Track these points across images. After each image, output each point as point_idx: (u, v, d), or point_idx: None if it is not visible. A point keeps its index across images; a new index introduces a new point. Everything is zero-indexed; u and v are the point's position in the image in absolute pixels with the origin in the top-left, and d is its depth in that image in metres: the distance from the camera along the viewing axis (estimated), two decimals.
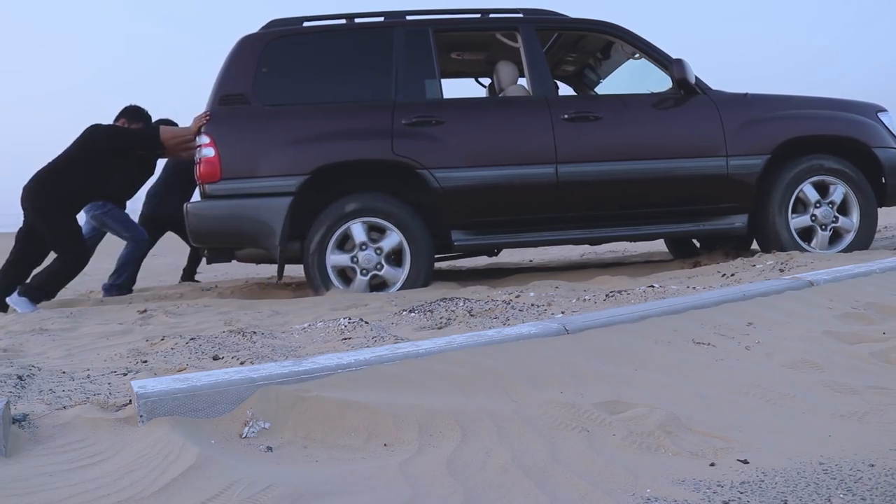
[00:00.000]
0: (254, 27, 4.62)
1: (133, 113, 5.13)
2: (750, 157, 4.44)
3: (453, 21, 4.63)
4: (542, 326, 2.19)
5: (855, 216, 4.52)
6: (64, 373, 2.27)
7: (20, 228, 4.85)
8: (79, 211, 4.83)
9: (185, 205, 4.31)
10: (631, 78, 5.18)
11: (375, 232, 4.24)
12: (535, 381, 1.80)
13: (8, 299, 4.58)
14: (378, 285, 4.24)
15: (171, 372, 2.18)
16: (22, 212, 4.77)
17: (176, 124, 5.22)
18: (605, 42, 5.09)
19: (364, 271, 4.20)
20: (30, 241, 4.77)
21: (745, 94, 4.59)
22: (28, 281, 4.69)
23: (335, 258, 4.20)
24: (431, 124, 4.30)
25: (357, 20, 4.57)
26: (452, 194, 4.25)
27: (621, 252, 7.41)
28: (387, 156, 4.24)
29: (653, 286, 3.41)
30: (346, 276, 4.26)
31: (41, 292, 4.60)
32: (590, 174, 4.34)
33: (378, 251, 4.21)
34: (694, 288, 3.34)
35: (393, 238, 4.22)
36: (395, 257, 4.26)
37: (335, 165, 4.22)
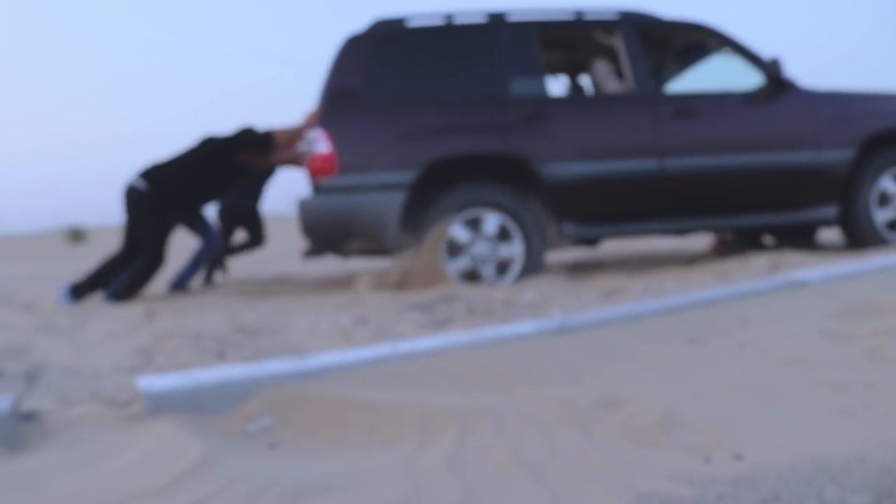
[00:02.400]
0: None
1: (246, 129, 5.17)
2: (840, 150, 4.59)
3: (557, 20, 4.74)
4: (540, 325, 2.20)
5: None
6: (72, 370, 2.29)
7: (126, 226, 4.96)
8: (178, 214, 4.87)
9: (298, 199, 4.35)
10: (705, 76, 5.28)
11: (483, 223, 4.30)
12: (533, 379, 1.81)
13: (101, 299, 4.70)
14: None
15: (177, 369, 2.20)
16: (125, 209, 4.85)
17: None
18: (691, 41, 5.18)
19: (482, 263, 4.28)
20: (131, 235, 4.89)
21: (834, 90, 4.73)
22: (112, 286, 4.81)
23: (454, 266, 4.25)
24: (542, 119, 4.41)
25: (459, 19, 4.65)
26: (564, 187, 4.36)
27: (621, 252, 7.42)
28: (501, 149, 4.35)
29: (649, 285, 3.43)
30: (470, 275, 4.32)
31: (125, 292, 4.71)
32: (692, 167, 4.48)
33: (491, 241, 4.28)
34: (689, 287, 3.35)
35: (505, 227, 4.28)
36: (506, 249, 4.32)
37: (449, 159, 4.31)
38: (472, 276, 4.29)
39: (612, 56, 5.19)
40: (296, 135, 4.78)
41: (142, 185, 4.79)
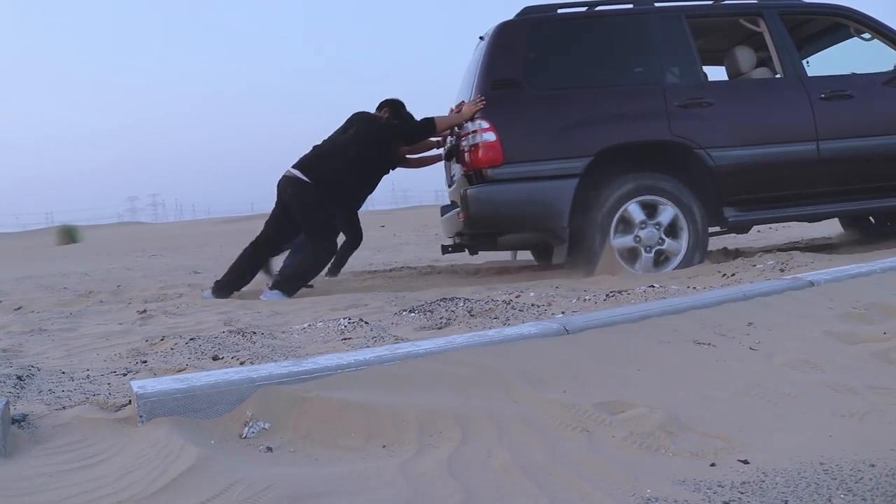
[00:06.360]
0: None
1: (396, 105, 5.12)
2: None
3: (702, 7, 4.82)
4: (542, 326, 2.19)
5: None
6: (63, 373, 2.27)
7: (271, 213, 4.88)
8: (338, 201, 4.79)
9: (464, 190, 4.36)
10: (837, 58, 5.38)
11: (648, 209, 4.37)
12: (535, 382, 1.79)
13: (262, 296, 4.58)
14: (658, 262, 4.37)
15: (171, 372, 2.18)
16: (277, 197, 4.78)
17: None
18: (827, 24, 5.24)
19: (648, 248, 4.34)
20: (277, 227, 4.82)
21: None
22: (278, 275, 4.71)
23: (619, 241, 4.32)
24: (702, 106, 4.48)
25: (606, 6, 4.73)
26: (726, 172, 4.43)
27: None
28: (665, 136, 4.41)
29: (653, 286, 3.41)
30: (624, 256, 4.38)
31: (292, 285, 4.60)
32: (847, 150, 4.55)
33: (657, 226, 4.35)
34: (694, 288, 3.34)
35: (672, 215, 4.35)
36: (671, 235, 4.39)
37: (618, 147, 4.37)
38: (632, 255, 4.35)
39: (751, 42, 5.24)
40: (455, 124, 4.70)
41: (303, 175, 4.67)
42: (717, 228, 4.71)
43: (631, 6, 4.69)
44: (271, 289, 4.57)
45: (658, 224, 4.34)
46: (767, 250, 5.14)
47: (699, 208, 4.37)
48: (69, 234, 24.07)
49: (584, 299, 3.24)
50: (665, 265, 4.35)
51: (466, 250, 5.28)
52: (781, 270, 3.64)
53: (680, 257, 4.35)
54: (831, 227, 7.65)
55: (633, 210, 4.32)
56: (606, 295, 3.29)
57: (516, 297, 3.46)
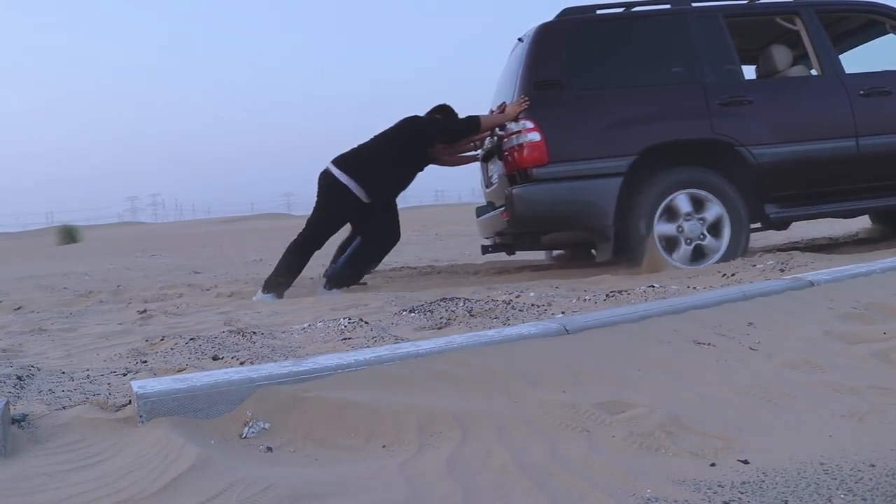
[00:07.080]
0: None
1: (446, 111, 5.12)
2: None
3: (739, 6, 4.87)
4: (542, 326, 2.19)
5: None
6: (63, 373, 2.27)
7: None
8: (377, 198, 4.76)
9: (509, 189, 4.40)
10: (870, 55, 5.46)
11: (696, 204, 4.42)
12: (535, 382, 1.79)
13: (254, 297, 4.58)
14: (697, 256, 4.42)
15: (171, 372, 2.18)
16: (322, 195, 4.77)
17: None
18: (862, 21, 5.28)
19: (688, 241, 4.40)
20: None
21: None
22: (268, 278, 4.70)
23: (662, 228, 4.37)
24: (742, 104, 4.53)
25: (644, 7, 4.79)
26: (767, 169, 4.48)
27: None
28: (707, 135, 4.48)
29: (653, 286, 3.41)
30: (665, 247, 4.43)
31: (275, 282, 4.60)
32: (886, 146, 4.61)
33: (701, 221, 4.40)
34: (694, 288, 3.34)
35: (715, 210, 4.40)
36: (714, 229, 4.44)
37: (661, 145, 4.42)
38: (671, 245, 4.39)
39: (783, 40, 5.31)
40: (499, 124, 4.72)
41: (338, 171, 4.66)
42: (758, 225, 4.75)
43: (669, 6, 4.74)
44: (264, 292, 4.59)
45: (702, 219, 4.41)
46: (767, 250, 5.14)
47: (742, 204, 4.43)
48: (69, 234, 24.06)
49: (584, 299, 3.24)
50: (704, 259, 4.39)
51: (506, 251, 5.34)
52: (781, 270, 3.64)
53: (720, 253, 4.40)
54: (833, 227, 7.66)
55: (681, 201, 4.38)
56: (606, 295, 3.29)
57: (516, 297, 3.46)
